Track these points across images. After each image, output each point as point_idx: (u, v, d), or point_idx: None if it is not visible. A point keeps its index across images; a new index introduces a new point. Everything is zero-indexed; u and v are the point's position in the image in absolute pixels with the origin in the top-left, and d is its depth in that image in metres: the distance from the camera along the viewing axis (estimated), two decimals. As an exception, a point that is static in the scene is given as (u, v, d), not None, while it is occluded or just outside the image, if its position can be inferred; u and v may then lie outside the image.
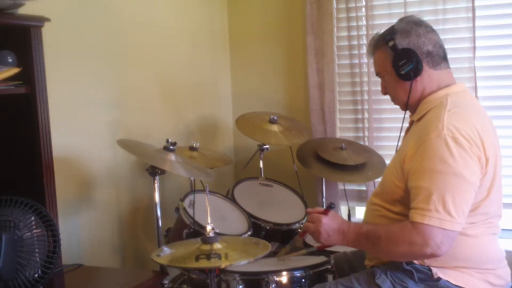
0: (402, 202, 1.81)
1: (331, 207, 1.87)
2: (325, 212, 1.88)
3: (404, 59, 1.84)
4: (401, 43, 1.85)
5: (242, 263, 1.72)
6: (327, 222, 1.85)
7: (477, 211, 1.76)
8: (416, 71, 1.84)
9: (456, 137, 1.69)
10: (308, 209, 1.98)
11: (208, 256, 1.71)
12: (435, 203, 1.66)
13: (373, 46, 1.96)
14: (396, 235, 1.74)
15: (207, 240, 1.79)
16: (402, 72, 1.85)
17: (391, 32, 1.88)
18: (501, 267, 1.87)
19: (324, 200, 3.14)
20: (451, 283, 1.78)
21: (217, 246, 1.78)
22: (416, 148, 1.74)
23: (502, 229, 1.93)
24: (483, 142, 1.73)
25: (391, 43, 1.86)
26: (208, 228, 1.79)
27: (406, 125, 2.01)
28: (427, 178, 1.69)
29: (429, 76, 1.86)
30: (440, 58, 1.87)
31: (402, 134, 2.02)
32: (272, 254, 2.50)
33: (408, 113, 2.00)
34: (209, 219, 1.81)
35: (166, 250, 1.93)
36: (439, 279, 1.78)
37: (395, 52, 1.85)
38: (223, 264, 1.71)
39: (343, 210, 3.33)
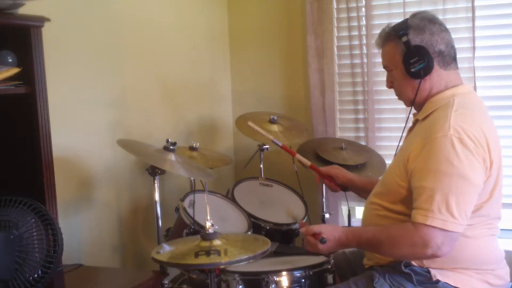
0: (404, 201, 1.80)
1: (322, 242, 1.82)
2: (317, 236, 1.84)
3: (416, 56, 1.82)
4: (414, 39, 1.82)
5: (241, 258, 1.71)
6: (325, 246, 1.84)
7: (478, 212, 1.76)
8: (426, 70, 1.82)
9: (462, 138, 1.68)
10: (302, 229, 1.93)
11: (208, 253, 1.71)
12: (438, 204, 1.66)
13: (384, 38, 1.92)
14: (397, 238, 1.73)
15: (206, 237, 1.78)
16: (413, 70, 1.83)
17: (405, 27, 1.84)
18: (501, 267, 1.87)
19: (324, 200, 3.13)
20: (450, 284, 1.78)
21: (217, 242, 1.77)
22: (422, 147, 1.73)
23: (502, 229, 1.93)
24: (489, 144, 1.72)
25: (404, 39, 1.83)
26: (208, 224, 1.79)
27: (409, 124, 2.00)
28: (431, 178, 1.68)
29: (438, 76, 1.85)
30: (450, 58, 1.86)
31: (404, 134, 2.00)
32: (272, 254, 2.50)
33: (411, 113, 1.98)
34: (208, 215, 1.81)
35: (166, 247, 1.93)
36: (437, 281, 1.78)
37: (408, 48, 1.83)
38: (222, 260, 1.70)
39: (343, 210, 3.33)
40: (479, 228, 1.79)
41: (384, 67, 1.97)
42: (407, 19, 1.88)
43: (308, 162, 2.32)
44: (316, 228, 1.86)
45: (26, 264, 1.77)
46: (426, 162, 1.70)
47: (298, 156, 2.37)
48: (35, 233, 1.81)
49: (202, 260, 1.69)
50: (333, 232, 1.85)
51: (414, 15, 1.89)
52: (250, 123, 2.44)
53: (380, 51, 1.96)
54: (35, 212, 1.83)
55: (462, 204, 1.67)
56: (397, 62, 1.88)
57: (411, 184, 1.75)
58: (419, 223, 1.68)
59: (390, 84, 1.96)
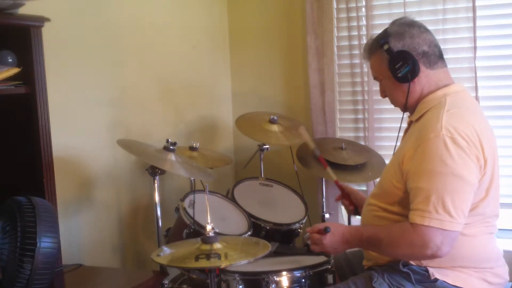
0: (401, 203, 1.81)
1: (326, 231, 1.86)
2: (323, 233, 1.87)
3: (400, 61, 1.83)
4: (396, 45, 1.84)
5: (241, 263, 1.72)
6: (329, 240, 1.86)
7: (475, 211, 1.76)
8: (413, 73, 1.83)
9: (454, 138, 1.68)
10: (308, 229, 1.97)
11: (208, 256, 1.71)
12: (435, 204, 1.66)
13: (368, 51, 1.96)
14: (396, 237, 1.74)
15: (207, 240, 1.79)
16: (400, 75, 1.84)
17: (385, 36, 1.88)
18: (499, 266, 1.87)
19: (324, 200, 3.13)
20: (449, 283, 1.78)
21: (217, 246, 1.78)
22: (415, 148, 1.73)
23: (502, 229, 1.93)
24: (482, 143, 1.72)
25: (386, 47, 1.85)
26: (208, 227, 1.79)
27: (404, 125, 2.01)
28: (426, 179, 1.69)
29: (426, 77, 1.86)
30: (436, 57, 1.87)
31: (401, 134, 2.01)
32: (272, 254, 2.50)
33: (406, 114, 1.99)
34: (209, 219, 1.81)
35: (166, 250, 1.93)
36: (436, 280, 1.78)
37: (391, 55, 1.85)
38: (222, 264, 1.71)
39: (343, 210, 3.32)
40: (476, 226, 1.79)
41: (375, 78, 2.00)
42: (387, 28, 1.90)
43: (334, 177, 2.31)
44: (321, 224, 1.89)
45: (4, 262, 1.75)
46: (420, 163, 1.71)
47: (328, 169, 2.37)
48: (8, 231, 1.75)
49: (203, 263, 1.70)
50: (338, 227, 1.89)
51: (393, 22, 1.92)
52: (301, 130, 2.43)
53: (369, 63, 1.99)
54: (19, 208, 1.77)
55: (458, 203, 1.67)
56: (384, 70, 1.89)
57: (407, 185, 1.76)
58: (417, 224, 1.68)
59: (384, 93, 1.99)
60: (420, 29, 1.87)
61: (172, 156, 2.28)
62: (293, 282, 2.08)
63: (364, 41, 3.16)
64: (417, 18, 1.95)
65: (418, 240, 1.68)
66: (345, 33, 3.24)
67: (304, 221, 2.80)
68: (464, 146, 1.68)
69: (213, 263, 1.70)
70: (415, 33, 1.85)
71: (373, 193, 1.96)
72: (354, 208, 2.17)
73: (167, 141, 2.33)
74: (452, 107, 1.78)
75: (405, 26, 1.87)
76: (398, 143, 1.99)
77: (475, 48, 2.90)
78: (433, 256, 1.70)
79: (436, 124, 1.72)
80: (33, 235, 1.74)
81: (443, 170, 1.67)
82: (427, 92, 1.86)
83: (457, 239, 1.71)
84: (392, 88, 1.91)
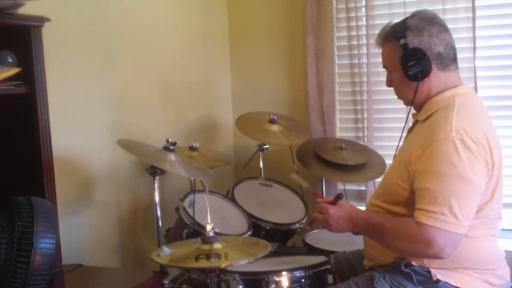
0: (405, 203, 1.80)
1: (339, 197, 1.86)
2: (333, 202, 1.88)
3: (414, 60, 1.80)
4: (412, 41, 1.81)
5: (241, 263, 1.72)
6: (335, 212, 1.86)
7: (480, 214, 1.76)
8: (424, 73, 1.82)
9: (464, 140, 1.67)
10: (318, 199, 1.96)
11: (208, 256, 1.71)
12: (441, 205, 1.65)
13: (383, 38, 1.91)
14: (401, 231, 1.73)
15: (207, 240, 1.79)
16: (410, 73, 1.82)
17: (403, 29, 1.83)
18: (501, 267, 1.87)
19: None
20: (451, 284, 1.77)
21: (217, 246, 1.78)
22: (423, 149, 1.72)
23: (502, 229, 1.93)
24: (490, 146, 1.72)
25: (402, 41, 1.82)
26: (208, 227, 1.80)
27: (408, 124, 2.00)
28: (433, 180, 1.68)
29: (436, 78, 1.84)
30: (450, 60, 1.84)
31: (404, 134, 2.00)
32: (272, 254, 2.50)
33: (411, 113, 1.98)
34: (209, 218, 1.81)
35: (166, 250, 1.93)
36: (438, 281, 1.77)
37: (405, 51, 1.82)
38: (222, 264, 1.71)
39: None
40: (480, 228, 1.79)
41: (384, 67, 1.96)
42: (407, 19, 1.86)
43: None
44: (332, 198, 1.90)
45: (2, 262, 1.74)
46: (428, 164, 1.70)
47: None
48: (7, 231, 1.75)
49: (203, 263, 1.70)
50: (348, 204, 1.89)
51: (414, 15, 1.87)
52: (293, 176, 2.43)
53: (380, 50, 1.96)
54: (18, 208, 1.77)
55: (465, 206, 1.66)
56: (395, 64, 1.87)
57: (413, 185, 1.75)
58: (422, 223, 1.67)
59: (390, 83, 1.96)
60: (440, 28, 1.83)
61: (172, 156, 2.28)
62: (293, 282, 2.08)
63: (364, 41, 3.17)
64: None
65: (421, 238, 1.67)
66: (344, 33, 3.24)
67: (304, 221, 2.80)
68: (473, 149, 1.67)
69: (213, 263, 1.70)
70: (434, 31, 1.82)
71: (375, 193, 1.96)
72: None
73: (167, 141, 2.33)
74: (461, 108, 1.77)
75: (426, 22, 1.83)
76: (401, 143, 1.98)
77: (474, 48, 2.90)
78: (434, 256, 1.69)
79: (446, 125, 1.71)
80: (29, 235, 1.74)
81: (451, 172, 1.66)
82: (435, 92, 1.85)
83: (460, 242, 1.69)
84: (400, 82, 1.89)
